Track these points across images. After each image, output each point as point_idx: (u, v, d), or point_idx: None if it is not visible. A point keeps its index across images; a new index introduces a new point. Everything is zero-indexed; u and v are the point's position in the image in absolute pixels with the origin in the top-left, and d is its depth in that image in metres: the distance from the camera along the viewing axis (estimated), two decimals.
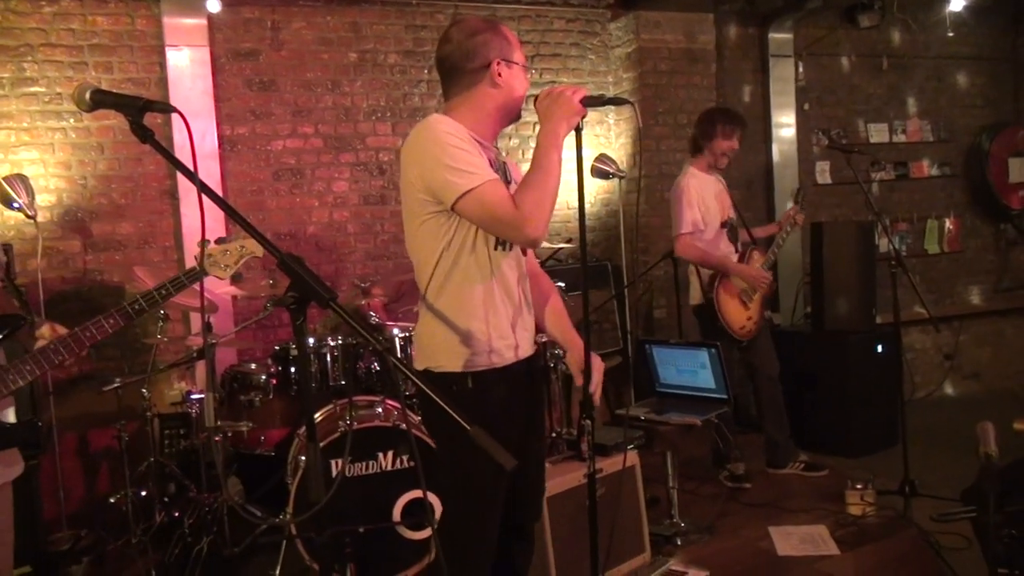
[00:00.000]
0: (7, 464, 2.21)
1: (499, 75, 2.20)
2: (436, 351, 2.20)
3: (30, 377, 2.15)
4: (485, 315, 2.19)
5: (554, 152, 2.11)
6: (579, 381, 2.26)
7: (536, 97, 2.23)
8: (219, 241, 2.61)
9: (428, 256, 2.19)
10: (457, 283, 2.18)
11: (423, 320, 2.25)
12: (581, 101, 2.13)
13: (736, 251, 4.55)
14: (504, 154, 2.38)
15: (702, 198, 4.46)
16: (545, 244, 5.04)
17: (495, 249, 2.19)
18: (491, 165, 2.14)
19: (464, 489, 2.17)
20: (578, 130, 2.18)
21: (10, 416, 2.21)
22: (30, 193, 4.21)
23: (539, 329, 2.41)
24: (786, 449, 4.61)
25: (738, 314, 4.46)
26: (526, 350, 2.30)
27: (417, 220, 2.17)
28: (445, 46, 2.24)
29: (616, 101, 2.24)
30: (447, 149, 2.05)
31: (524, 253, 2.37)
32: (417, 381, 1.63)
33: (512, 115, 2.31)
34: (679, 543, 3.70)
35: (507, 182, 2.24)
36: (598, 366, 2.28)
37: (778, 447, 4.60)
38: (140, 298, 2.30)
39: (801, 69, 6.30)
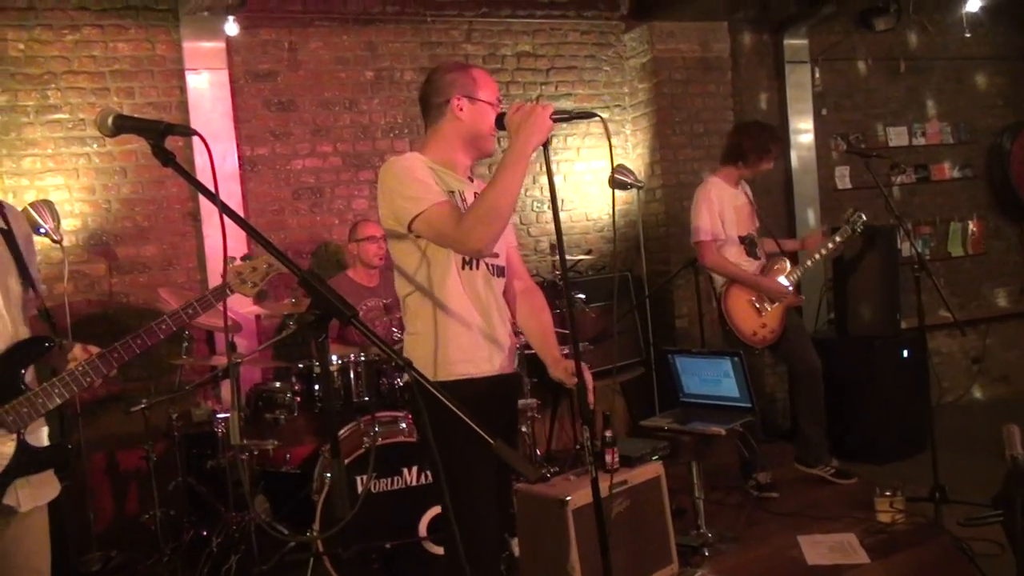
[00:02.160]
0: (41, 487, 2.23)
1: (460, 109, 2.40)
2: (415, 364, 2.29)
3: (59, 400, 2.16)
4: (456, 330, 2.36)
5: (516, 168, 2.22)
6: (570, 383, 2.36)
7: (503, 113, 2.33)
8: (244, 258, 2.64)
9: (406, 277, 2.41)
10: (427, 302, 2.38)
11: (405, 336, 2.47)
12: (551, 116, 2.21)
13: (757, 261, 4.52)
14: (471, 184, 2.51)
15: (721, 207, 4.45)
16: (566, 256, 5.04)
17: (463, 268, 2.37)
18: (447, 194, 2.33)
19: (458, 481, 2.26)
20: (545, 145, 2.25)
21: (43, 439, 2.23)
22: (56, 218, 4.27)
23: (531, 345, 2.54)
24: (819, 449, 4.55)
25: (749, 321, 4.42)
26: (503, 365, 2.46)
27: (394, 246, 2.43)
28: (424, 86, 2.50)
29: (584, 115, 2.33)
30: (402, 180, 2.30)
31: (503, 274, 2.50)
32: (439, 395, 1.64)
33: (479, 148, 2.46)
34: (706, 553, 3.67)
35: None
36: (587, 378, 2.34)
37: (810, 445, 4.54)
38: (167, 317, 2.33)
39: (817, 74, 6.28)
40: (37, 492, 2.20)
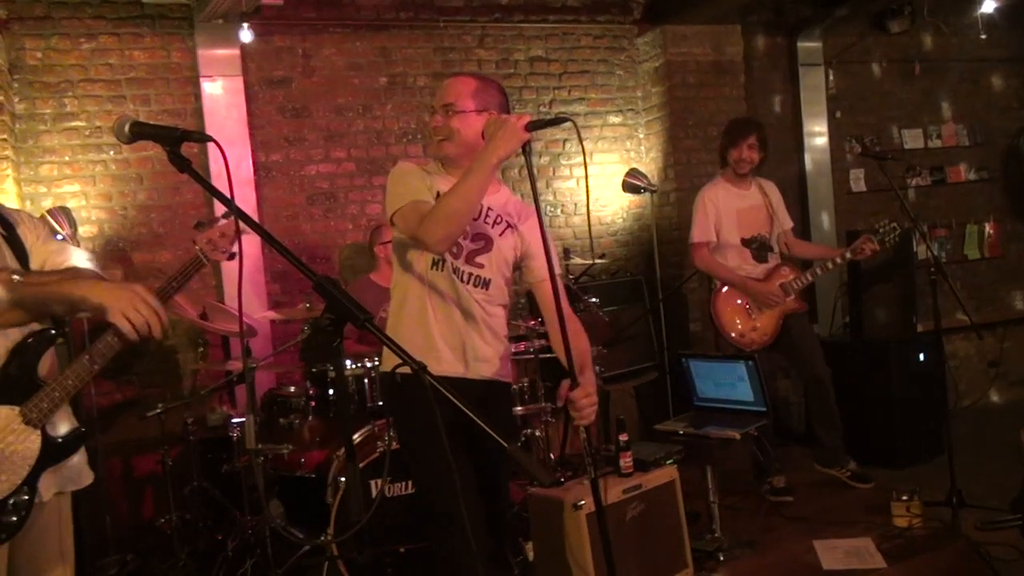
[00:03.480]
0: (69, 475, 2.29)
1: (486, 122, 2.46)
2: (386, 357, 2.64)
3: (72, 390, 2.22)
4: (417, 326, 2.49)
5: (476, 175, 2.31)
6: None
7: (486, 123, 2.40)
8: (210, 222, 2.71)
9: (394, 271, 2.61)
10: (400, 297, 2.57)
11: (387, 328, 2.57)
12: (526, 126, 2.24)
13: (763, 265, 4.48)
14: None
15: (717, 210, 4.44)
16: (577, 260, 5.05)
17: (431, 267, 2.48)
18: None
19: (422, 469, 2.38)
20: (526, 152, 2.28)
21: (60, 430, 2.28)
22: (73, 224, 4.31)
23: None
24: (834, 452, 4.53)
25: (739, 322, 4.42)
26: (475, 370, 2.51)
27: (394, 242, 2.60)
28: None
29: (557, 121, 2.37)
30: (394, 181, 2.50)
31: (484, 286, 2.53)
32: (452, 398, 1.64)
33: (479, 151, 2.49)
34: (721, 558, 3.66)
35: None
36: (591, 399, 2.34)
37: (825, 448, 4.53)
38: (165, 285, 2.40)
39: (831, 77, 6.26)
40: (62, 480, 2.26)
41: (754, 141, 4.40)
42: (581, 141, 2.38)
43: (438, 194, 2.45)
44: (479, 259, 2.52)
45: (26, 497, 2.15)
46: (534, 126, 2.25)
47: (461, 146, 2.49)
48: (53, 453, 2.22)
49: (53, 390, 2.20)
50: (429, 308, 2.48)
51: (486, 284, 2.54)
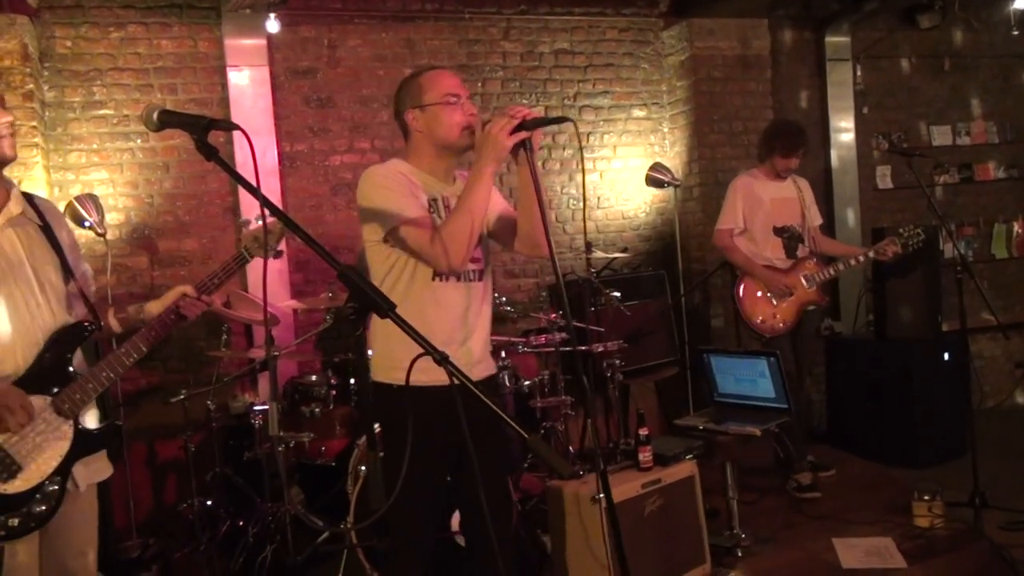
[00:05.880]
0: (95, 467, 2.32)
1: (415, 120, 2.45)
2: (376, 366, 2.49)
3: (107, 382, 2.25)
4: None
5: (476, 190, 2.27)
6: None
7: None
8: (255, 220, 2.70)
9: (374, 278, 2.43)
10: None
11: (370, 338, 2.56)
12: (521, 125, 2.19)
13: (789, 258, 4.49)
14: (456, 184, 2.52)
15: (749, 198, 4.48)
16: (600, 254, 5.04)
17: (432, 279, 2.39)
18: (429, 202, 2.40)
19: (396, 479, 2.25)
20: (526, 148, 2.23)
21: (91, 422, 2.31)
22: (100, 212, 4.35)
23: None
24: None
25: (761, 307, 4.45)
26: (475, 373, 2.44)
27: (367, 246, 2.46)
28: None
29: (558, 120, 2.28)
30: (380, 192, 2.36)
31: (482, 277, 2.51)
32: (475, 389, 1.64)
33: (450, 148, 2.44)
34: (739, 554, 3.66)
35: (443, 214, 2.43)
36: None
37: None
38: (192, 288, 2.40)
39: (859, 72, 6.19)
40: (91, 472, 2.30)
41: (803, 152, 4.50)
42: (580, 142, 2.30)
43: (432, 201, 2.41)
44: (475, 253, 2.47)
45: (56, 487, 2.17)
46: (532, 124, 2.20)
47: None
48: (86, 444, 2.25)
49: (87, 382, 2.23)
50: (433, 317, 2.37)
51: (481, 274, 2.53)
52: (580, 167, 5.58)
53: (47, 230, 2.32)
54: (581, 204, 5.70)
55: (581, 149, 2.28)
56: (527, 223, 2.47)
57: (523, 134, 2.20)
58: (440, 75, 2.47)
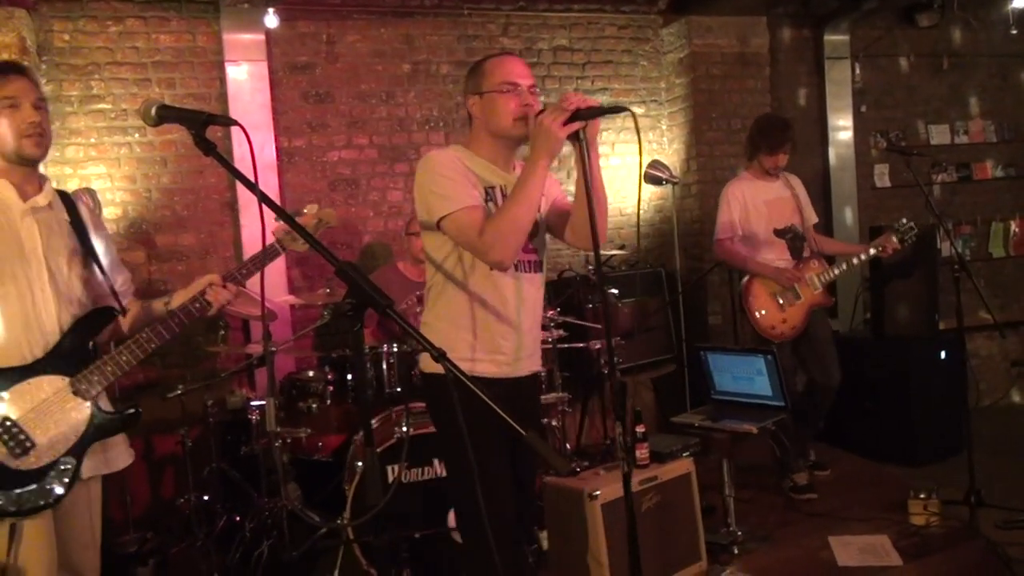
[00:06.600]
0: (114, 455, 2.33)
1: (474, 107, 2.41)
2: (426, 355, 2.38)
3: (127, 366, 2.26)
4: (472, 328, 2.37)
5: (530, 183, 2.21)
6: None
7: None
8: (295, 215, 2.70)
9: (432, 266, 2.43)
10: (450, 295, 2.40)
11: (422, 325, 2.47)
12: (576, 114, 2.12)
13: (794, 258, 4.46)
14: (515, 172, 2.44)
15: (744, 203, 4.42)
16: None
17: (492, 269, 2.34)
18: (485, 190, 2.35)
19: (469, 476, 2.23)
20: (581, 139, 2.16)
21: (109, 406, 2.32)
22: (98, 206, 4.34)
23: None
24: (796, 457, 4.50)
25: (770, 313, 4.38)
26: (525, 367, 2.47)
27: (426, 236, 2.43)
28: None
29: (615, 110, 2.22)
30: (435, 179, 2.30)
31: (539, 268, 2.48)
32: (472, 387, 1.64)
33: (510, 136, 2.39)
34: (736, 552, 3.66)
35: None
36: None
37: (790, 452, 4.47)
38: (220, 277, 2.40)
39: (858, 71, 6.20)
40: (101, 463, 2.30)
41: (790, 147, 4.41)
42: (639, 133, 2.22)
43: (489, 189, 2.36)
44: (531, 244, 2.44)
45: (69, 467, 2.17)
46: (588, 114, 2.12)
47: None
48: (103, 427, 2.25)
49: (106, 364, 2.24)
50: (490, 309, 2.35)
51: (539, 266, 2.49)
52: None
53: (76, 225, 2.32)
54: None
55: (639, 141, 2.20)
56: (581, 216, 2.36)
57: (577, 124, 2.12)
58: (502, 62, 2.40)
